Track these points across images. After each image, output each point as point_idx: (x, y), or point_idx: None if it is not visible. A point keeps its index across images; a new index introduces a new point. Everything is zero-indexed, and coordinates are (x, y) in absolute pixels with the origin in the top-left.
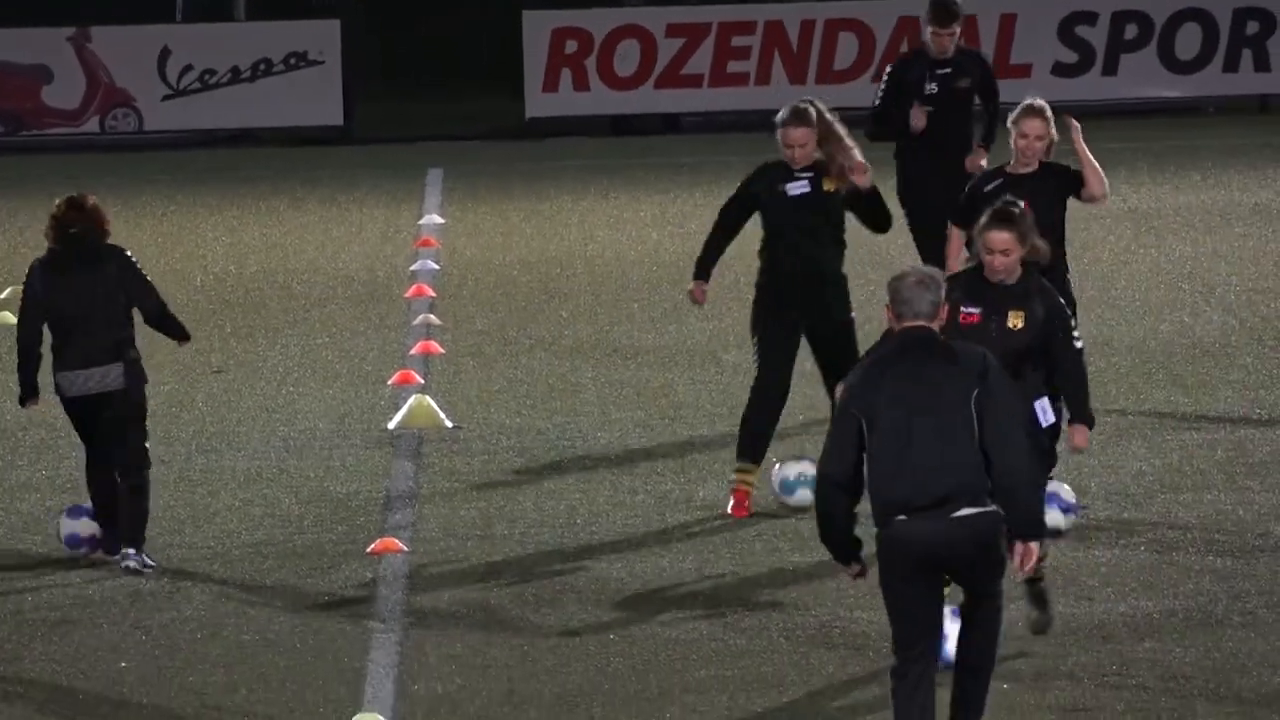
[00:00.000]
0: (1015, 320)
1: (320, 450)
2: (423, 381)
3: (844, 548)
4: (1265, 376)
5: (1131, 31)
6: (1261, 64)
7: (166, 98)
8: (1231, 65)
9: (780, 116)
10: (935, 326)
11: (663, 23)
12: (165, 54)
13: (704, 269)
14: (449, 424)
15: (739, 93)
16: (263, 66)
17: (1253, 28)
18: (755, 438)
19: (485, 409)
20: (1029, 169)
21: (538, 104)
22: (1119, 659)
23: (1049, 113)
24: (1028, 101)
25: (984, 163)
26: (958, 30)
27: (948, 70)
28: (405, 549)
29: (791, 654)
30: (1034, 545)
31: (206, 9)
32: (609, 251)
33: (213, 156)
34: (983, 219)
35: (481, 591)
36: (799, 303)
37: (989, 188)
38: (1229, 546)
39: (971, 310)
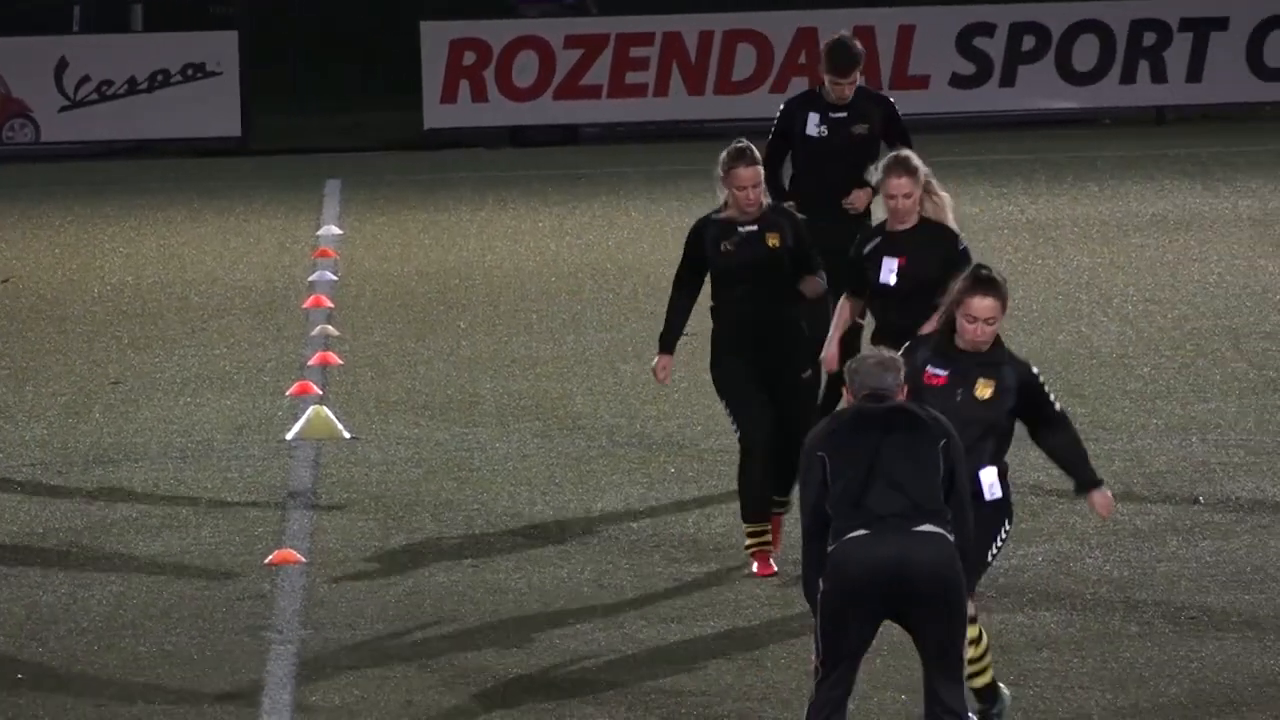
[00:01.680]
0: (983, 390)
1: (218, 461)
2: (320, 392)
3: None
4: (1162, 386)
5: (1029, 43)
6: (1158, 75)
7: (64, 109)
8: (1129, 77)
9: (722, 159)
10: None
11: (561, 34)
12: (63, 65)
13: (667, 342)
14: (347, 435)
15: (637, 104)
16: (160, 78)
17: (1149, 39)
18: (757, 500)
19: (383, 420)
20: (906, 225)
21: (436, 115)
22: (1016, 669)
23: (915, 163)
24: (891, 156)
25: (859, 203)
26: (858, 78)
27: (843, 114)
28: (303, 560)
29: (689, 665)
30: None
31: (104, 20)
32: (507, 262)
33: (110, 167)
34: (962, 283)
35: (379, 602)
36: (756, 357)
37: (868, 248)
38: (1126, 557)
39: (939, 373)
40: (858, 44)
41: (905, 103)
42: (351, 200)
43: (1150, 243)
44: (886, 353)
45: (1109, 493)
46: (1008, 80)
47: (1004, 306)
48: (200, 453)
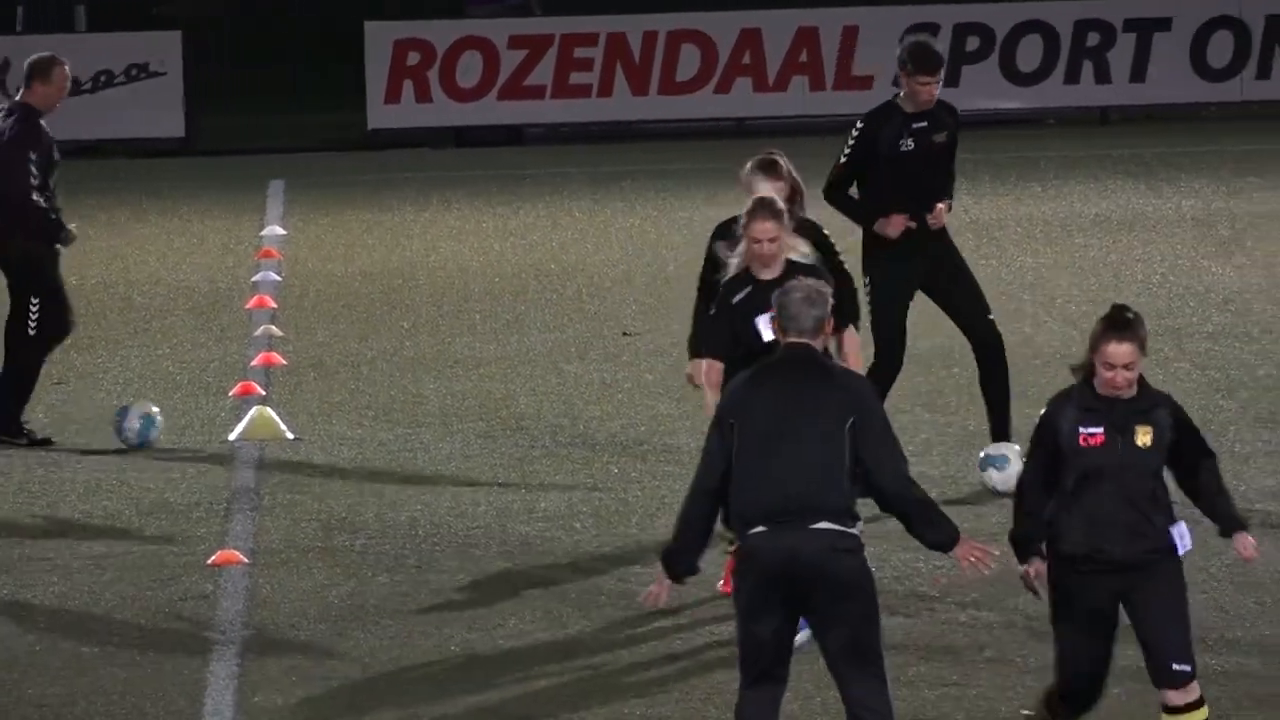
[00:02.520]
0: (1144, 438)
1: (161, 462)
2: (264, 393)
3: (680, 557)
4: None
5: (973, 43)
6: (1102, 76)
7: None
8: (1073, 77)
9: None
10: (819, 343)
11: (505, 34)
12: (5, 65)
13: (696, 348)
14: (290, 435)
15: (582, 104)
16: (104, 78)
17: (1094, 39)
18: None
19: (326, 420)
20: (774, 273)
21: (380, 115)
22: (960, 668)
23: (780, 206)
24: (754, 200)
25: (942, 220)
26: (942, 79)
27: (924, 124)
28: (246, 560)
29: (634, 663)
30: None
31: (48, 20)
32: (451, 263)
33: None
34: (1099, 329)
35: (322, 603)
36: None
37: (737, 298)
38: None
39: (1094, 431)
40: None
41: (849, 103)
42: (295, 201)
43: (1094, 243)
44: (811, 282)
45: (1251, 537)
46: (952, 80)
47: (1143, 348)
48: (143, 453)
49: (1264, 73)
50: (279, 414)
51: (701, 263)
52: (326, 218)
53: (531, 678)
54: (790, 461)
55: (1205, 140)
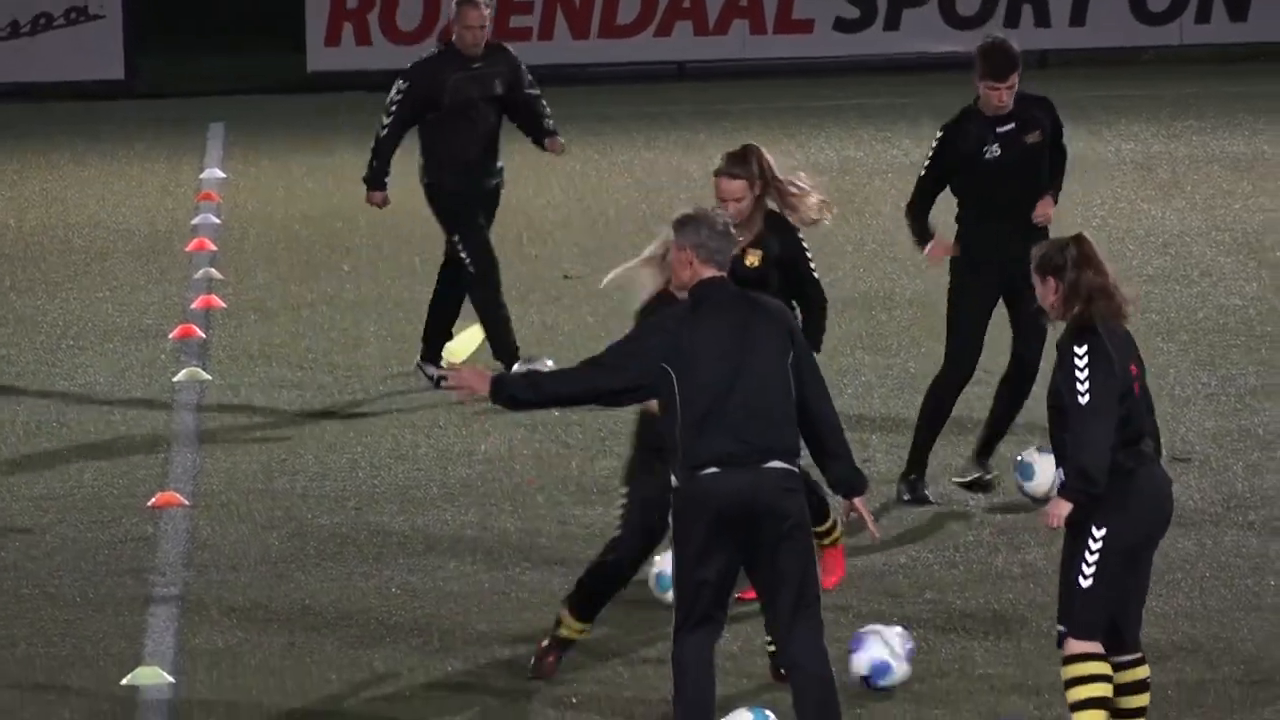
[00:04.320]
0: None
1: (101, 404)
2: (204, 335)
3: (511, 388)
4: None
5: None
6: (1042, 19)
7: None
8: (1013, 21)
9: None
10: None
11: None
12: None
13: None
14: (230, 378)
15: (521, 47)
16: (43, 21)
17: None
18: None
19: (267, 363)
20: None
21: (320, 58)
22: (900, 610)
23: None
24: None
25: (1049, 215)
26: (1017, 81)
27: (1010, 126)
28: (186, 502)
29: None
30: (862, 500)
31: None
32: (392, 206)
33: None
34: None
35: (263, 545)
36: None
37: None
38: (1009, 500)
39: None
40: (1013, 44)
41: (790, 47)
42: (235, 143)
43: None
44: (716, 211)
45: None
46: (892, 24)
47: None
48: (83, 396)
49: (1203, 17)
50: (220, 356)
51: (641, 204)
52: (266, 160)
53: (472, 619)
54: (742, 405)
55: (1144, 84)
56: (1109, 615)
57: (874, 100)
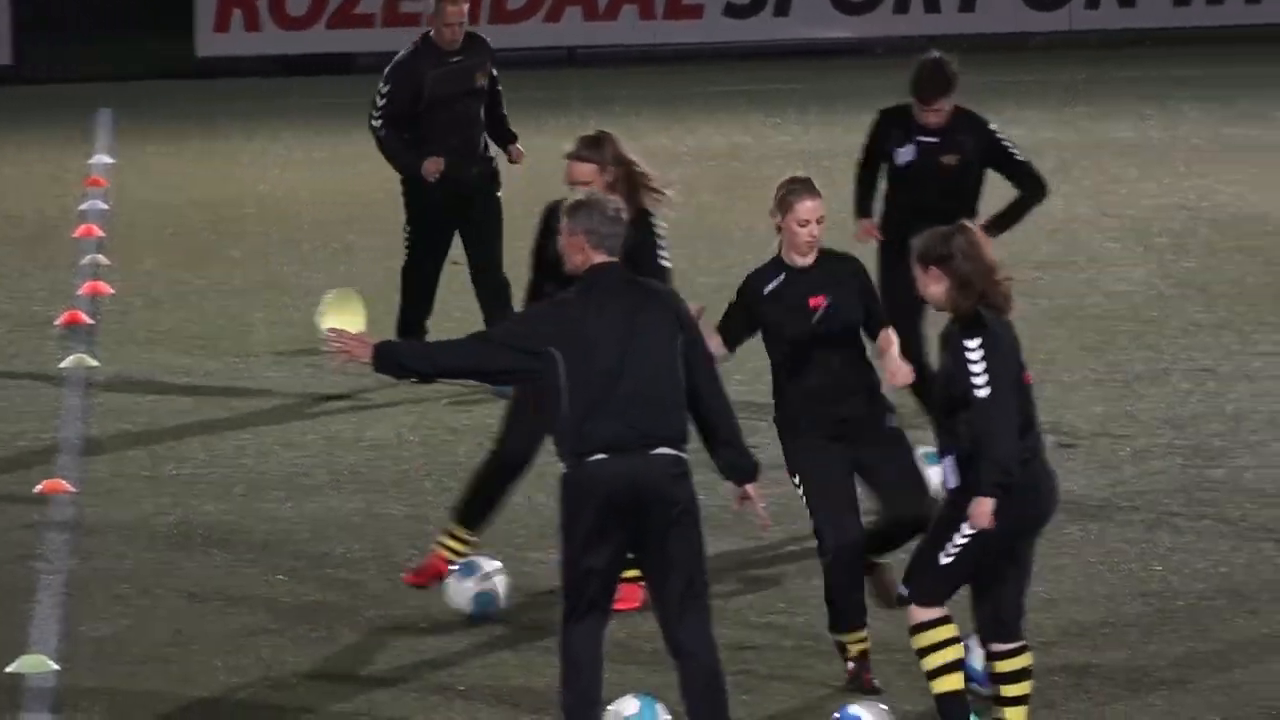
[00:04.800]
0: None
1: None
2: (91, 321)
3: (395, 357)
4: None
5: None
6: (931, 5)
7: None
8: (901, 7)
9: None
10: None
11: None
12: None
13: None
14: (117, 365)
15: (411, 33)
16: None
17: None
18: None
19: (154, 349)
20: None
21: (209, 44)
22: (786, 597)
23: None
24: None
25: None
26: (946, 106)
27: (933, 139)
28: (72, 490)
29: None
30: (754, 488)
31: None
32: (280, 191)
33: None
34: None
35: (149, 532)
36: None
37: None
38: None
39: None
40: (953, 68)
41: (679, 33)
42: (124, 129)
43: None
44: (609, 197)
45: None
46: (781, 10)
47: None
48: None
49: (1093, 3)
50: (106, 342)
51: (530, 190)
52: (155, 146)
53: (359, 605)
54: (631, 391)
55: (1033, 69)
56: (955, 589)
57: (764, 86)
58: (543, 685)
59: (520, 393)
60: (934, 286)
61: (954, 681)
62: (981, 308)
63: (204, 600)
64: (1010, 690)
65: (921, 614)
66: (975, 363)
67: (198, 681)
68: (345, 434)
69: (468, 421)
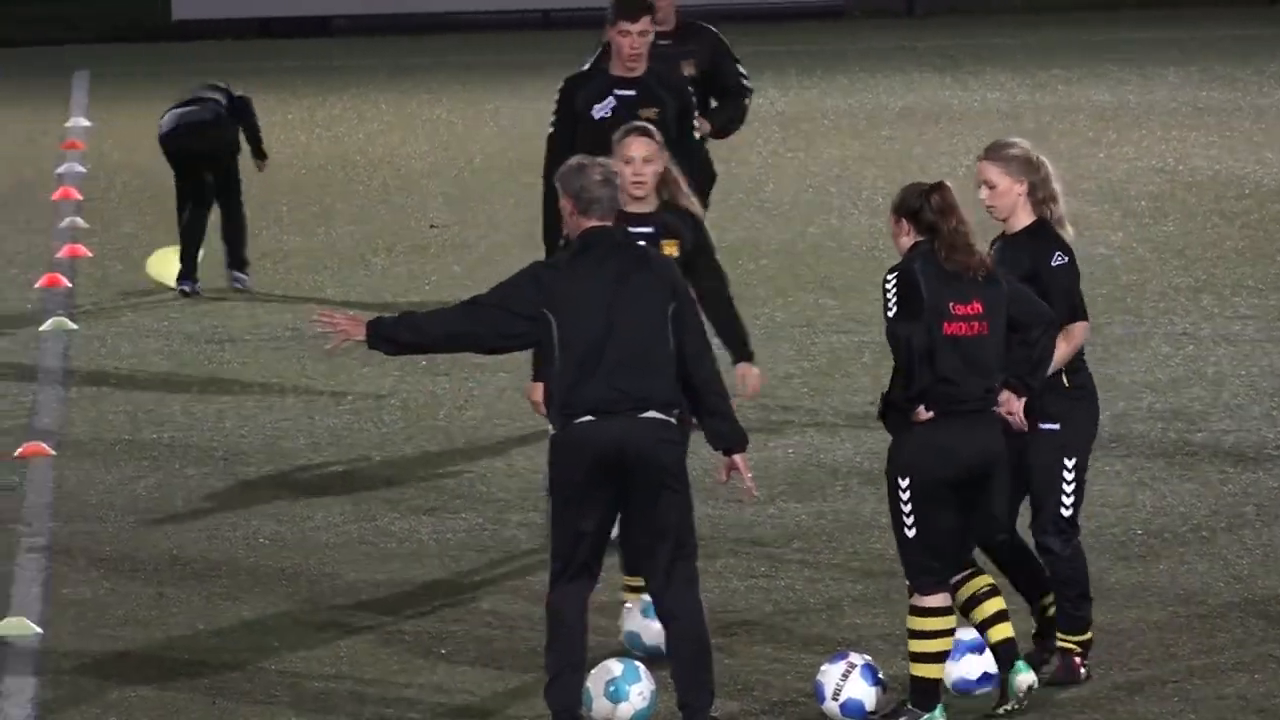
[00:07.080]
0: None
1: None
2: (70, 284)
3: (389, 331)
4: None
5: None
6: None
7: None
8: None
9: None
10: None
11: None
12: None
13: None
14: (96, 327)
15: None
16: None
17: None
18: None
19: (133, 312)
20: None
21: (185, 6)
22: (768, 560)
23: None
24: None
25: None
26: (649, 28)
27: (630, 93)
28: (53, 453)
29: (441, 558)
30: (742, 457)
31: None
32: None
33: None
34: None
35: (130, 495)
36: None
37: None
38: (878, 448)
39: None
40: None
41: None
42: (100, 92)
43: (900, 135)
44: (605, 161)
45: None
46: None
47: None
48: None
49: None
50: (85, 305)
51: (508, 152)
52: (132, 109)
53: (340, 568)
54: (619, 353)
55: (1011, 33)
56: (942, 557)
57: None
58: (526, 648)
59: None
60: (902, 236)
61: (934, 671)
62: (945, 262)
63: (185, 563)
64: (983, 611)
65: (920, 601)
66: (889, 294)
67: (179, 644)
68: (324, 398)
69: (447, 385)
